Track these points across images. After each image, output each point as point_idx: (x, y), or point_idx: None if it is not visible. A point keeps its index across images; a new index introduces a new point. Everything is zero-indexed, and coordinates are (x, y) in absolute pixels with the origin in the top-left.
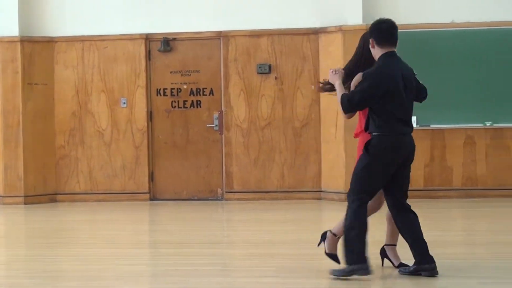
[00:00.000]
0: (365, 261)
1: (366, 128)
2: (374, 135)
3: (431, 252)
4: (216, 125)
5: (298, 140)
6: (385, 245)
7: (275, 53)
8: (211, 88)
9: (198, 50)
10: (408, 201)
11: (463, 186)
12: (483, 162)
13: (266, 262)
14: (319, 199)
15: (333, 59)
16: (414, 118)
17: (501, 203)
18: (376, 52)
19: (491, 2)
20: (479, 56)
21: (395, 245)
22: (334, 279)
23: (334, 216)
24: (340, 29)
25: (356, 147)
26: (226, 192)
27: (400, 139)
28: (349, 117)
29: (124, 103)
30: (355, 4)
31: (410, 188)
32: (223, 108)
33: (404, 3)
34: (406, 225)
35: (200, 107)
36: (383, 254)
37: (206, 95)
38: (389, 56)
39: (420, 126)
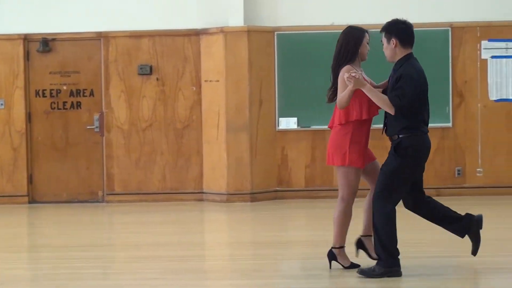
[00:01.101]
0: (399, 263)
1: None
2: (405, 136)
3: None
4: (96, 127)
5: (180, 141)
6: (361, 236)
7: (156, 54)
8: (92, 89)
9: (78, 50)
10: (290, 202)
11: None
12: None
13: (149, 264)
14: (201, 200)
15: (215, 60)
16: (294, 120)
17: None
18: (398, 52)
19: (369, 5)
20: None
21: (372, 235)
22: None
23: (216, 217)
24: (222, 30)
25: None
26: (107, 194)
27: (427, 138)
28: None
29: (1, 104)
30: (236, 6)
31: (292, 188)
32: (103, 110)
33: (284, 5)
34: (434, 212)
35: (80, 108)
36: (360, 245)
37: (86, 96)
38: (413, 58)
39: (301, 127)
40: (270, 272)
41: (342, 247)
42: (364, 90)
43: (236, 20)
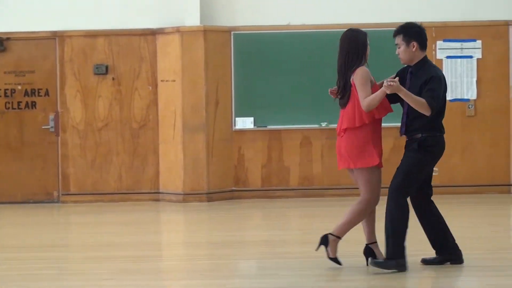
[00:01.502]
0: (405, 257)
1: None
2: (429, 135)
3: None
4: (52, 127)
5: (136, 141)
6: (368, 244)
7: (112, 54)
8: (47, 89)
9: (33, 50)
10: (246, 201)
11: (300, 185)
12: (319, 162)
13: (104, 265)
14: (158, 200)
15: (171, 60)
16: (251, 119)
17: (336, 202)
18: (416, 55)
19: (324, 5)
20: (315, 57)
21: (376, 241)
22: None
23: (173, 217)
24: (178, 30)
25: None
26: (62, 194)
27: (444, 139)
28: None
29: None
30: (192, 6)
31: (248, 188)
32: (59, 109)
33: (241, 5)
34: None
35: (35, 108)
36: (370, 253)
37: (41, 96)
38: (429, 60)
39: (257, 127)
40: (227, 272)
41: (339, 238)
42: (401, 94)
43: (192, 19)
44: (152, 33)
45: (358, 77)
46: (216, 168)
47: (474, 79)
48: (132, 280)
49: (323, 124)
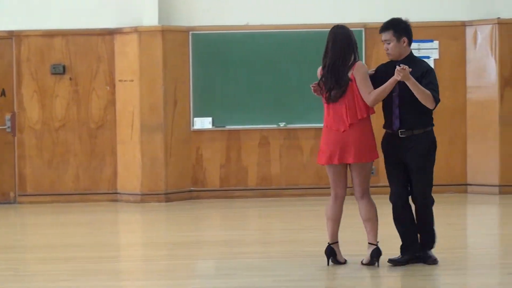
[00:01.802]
0: None
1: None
2: (429, 130)
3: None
4: (8, 127)
5: (94, 141)
6: (331, 243)
7: (69, 54)
8: (3, 89)
9: None
10: (205, 201)
11: (258, 185)
12: (277, 162)
13: (61, 266)
14: (115, 200)
15: (129, 60)
16: (210, 119)
17: (294, 202)
18: (405, 51)
19: (283, 6)
20: (273, 58)
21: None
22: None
23: (131, 218)
24: (136, 30)
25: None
26: (19, 195)
27: None
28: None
29: None
30: (150, 5)
31: (207, 188)
32: (15, 110)
33: (199, 5)
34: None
35: None
36: (333, 253)
37: None
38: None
39: (215, 127)
40: (185, 272)
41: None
42: (409, 83)
43: (150, 19)
44: (110, 33)
45: (362, 71)
46: (174, 168)
47: None
48: (90, 281)
49: (281, 124)
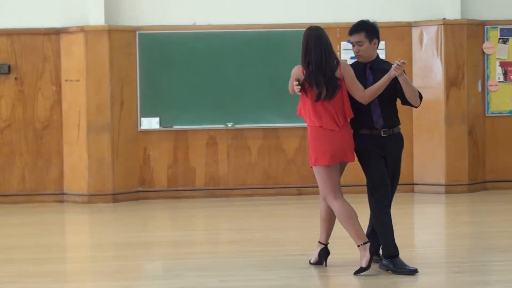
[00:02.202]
0: None
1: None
2: (399, 127)
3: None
4: None
5: (40, 142)
6: (325, 244)
7: (14, 53)
8: None
9: None
10: (152, 202)
11: (206, 186)
12: (225, 162)
13: (6, 267)
14: (62, 201)
15: (75, 60)
16: (157, 120)
17: (242, 202)
18: (375, 52)
19: (230, 5)
20: (220, 58)
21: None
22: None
23: (78, 219)
24: (82, 30)
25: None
26: None
27: None
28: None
29: None
30: (96, 5)
31: (154, 188)
32: None
33: (146, 5)
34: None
35: None
36: (327, 253)
37: None
38: None
39: (163, 127)
40: (132, 273)
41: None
42: (401, 79)
43: (96, 19)
44: (56, 32)
45: (350, 70)
46: (122, 168)
47: None
48: (36, 283)
49: (229, 125)
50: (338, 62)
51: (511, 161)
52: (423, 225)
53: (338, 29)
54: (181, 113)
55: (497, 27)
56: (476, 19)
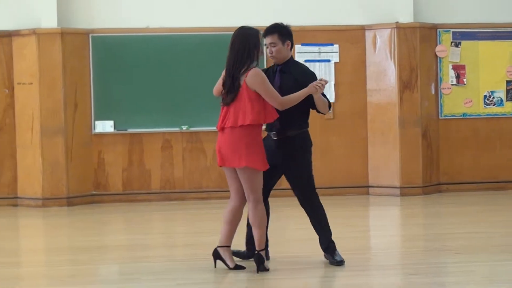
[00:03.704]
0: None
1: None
2: (304, 131)
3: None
4: None
5: None
6: (218, 246)
7: None
8: None
9: None
10: (107, 206)
11: (162, 189)
12: (180, 165)
13: None
14: (16, 205)
15: (28, 63)
16: (111, 123)
17: (197, 205)
18: (288, 54)
19: (184, 8)
20: (174, 61)
21: (230, 246)
22: None
23: (32, 223)
24: (34, 32)
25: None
26: None
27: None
28: None
29: None
30: (49, 7)
31: (109, 192)
32: None
33: (99, 8)
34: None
35: None
36: (217, 255)
37: None
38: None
39: (117, 130)
40: (87, 277)
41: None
42: (315, 97)
43: (49, 22)
44: (8, 35)
45: (259, 79)
46: (76, 172)
47: (332, 83)
48: None
49: (184, 128)
50: (249, 68)
51: (465, 163)
52: (378, 228)
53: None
54: (136, 116)
55: (449, 31)
56: (429, 23)
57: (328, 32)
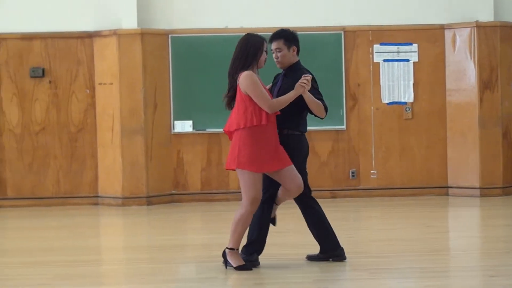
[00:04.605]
0: None
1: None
2: (296, 134)
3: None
4: None
5: (74, 145)
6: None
7: (48, 57)
8: None
9: None
10: (186, 205)
11: (239, 188)
12: None
13: (41, 269)
14: (96, 204)
15: (108, 63)
16: (190, 123)
17: None
18: (294, 59)
19: (263, 8)
20: None
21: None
22: None
23: (112, 221)
24: (115, 33)
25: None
26: None
27: (306, 138)
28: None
29: None
30: (129, 9)
31: (188, 191)
32: None
33: (178, 8)
34: None
35: None
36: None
37: None
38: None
39: (196, 130)
40: (166, 275)
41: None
42: (305, 96)
43: (129, 22)
44: (89, 36)
45: (247, 81)
46: (155, 171)
47: (411, 82)
48: (71, 285)
49: None
50: (241, 71)
51: None
52: (458, 229)
53: (370, 32)
54: (214, 116)
55: None
56: (510, 21)
57: (407, 32)
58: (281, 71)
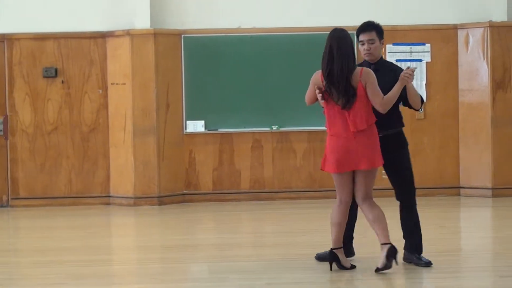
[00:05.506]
0: None
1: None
2: (401, 129)
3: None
4: (0, 130)
5: (86, 145)
6: (333, 248)
7: (61, 57)
8: None
9: None
10: (197, 205)
11: (251, 189)
12: (270, 165)
13: (53, 269)
14: (108, 204)
15: (121, 63)
16: (202, 123)
17: (287, 205)
18: (381, 52)
19: (275, 8)
20: (265, 61)
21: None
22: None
23: (124, 221)
24: (128, 33)
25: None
26: (11, 199)
27: None
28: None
29: None
30: (142, 8)
31: (199, 191)
32: (7, 113)
33: (192, 8)
34: None
35: None
36: (335, 258)
37: None
38: None
39: (208, 130)
40: (178, 275)
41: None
42: (408, 87)
43: (142, 22)
44: (102, 36)
45: (373, 78)
46: (167, 171)
47: (424, 82)
48: (83, 284)
49: (274, 128)
50: (357, 68)
51: None
52: (469, 229)
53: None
54: (226, 116)
55: None
56: None
57: (420, 32)
58: None
